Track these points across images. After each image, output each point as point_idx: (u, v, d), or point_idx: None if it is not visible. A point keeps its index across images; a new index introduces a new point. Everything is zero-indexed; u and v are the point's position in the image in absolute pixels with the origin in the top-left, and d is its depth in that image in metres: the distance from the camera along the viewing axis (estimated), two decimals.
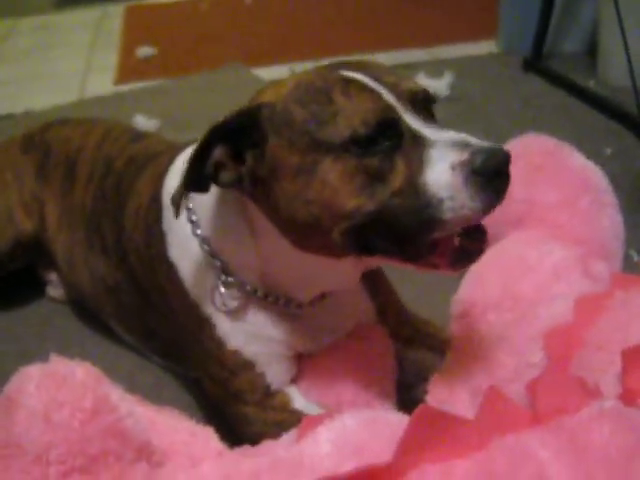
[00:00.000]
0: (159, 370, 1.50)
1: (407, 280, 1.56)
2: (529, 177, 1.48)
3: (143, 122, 2.56)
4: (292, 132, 1.03)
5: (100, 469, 0.79)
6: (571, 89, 2.75)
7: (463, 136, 0.99)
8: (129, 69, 3.49)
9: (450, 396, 1.18)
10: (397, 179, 0.99)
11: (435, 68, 2.86)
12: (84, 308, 1.69)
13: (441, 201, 0.96)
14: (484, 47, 3.27)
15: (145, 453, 0.84)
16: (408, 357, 1.38)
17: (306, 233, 1.06)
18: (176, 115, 2.73)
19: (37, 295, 1.79)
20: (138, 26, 4.20)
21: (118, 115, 2.51)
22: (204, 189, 1.08)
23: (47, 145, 1.68)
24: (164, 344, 1.42)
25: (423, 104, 1.07)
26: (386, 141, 1.00)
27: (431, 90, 2.62)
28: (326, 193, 1.01)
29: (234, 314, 1.20)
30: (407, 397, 1.32)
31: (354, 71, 1.05)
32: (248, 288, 1.18)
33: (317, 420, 0.90)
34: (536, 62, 2.98)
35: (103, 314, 1.57)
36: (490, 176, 0.96)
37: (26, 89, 3.36)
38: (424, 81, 2.74)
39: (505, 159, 0.97)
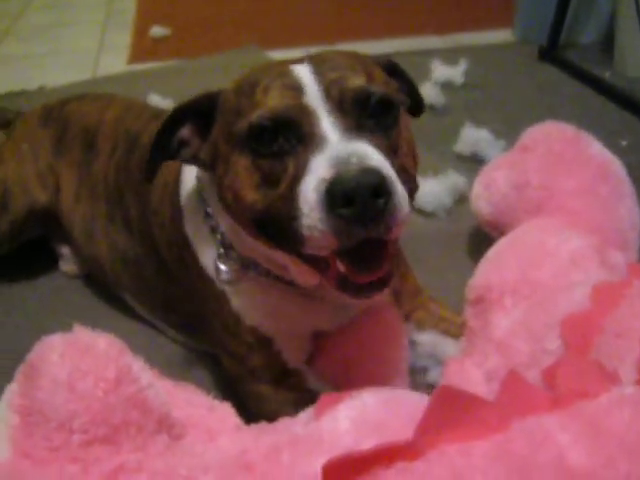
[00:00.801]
0: (172, 348, 1.50)
1: (421, 264, 1.56)
2: (548, 164, 1.48)
3: (158, 101, 2.54)
4: (225, 120, 1.07)
5: (122, 439, 0.79)
6: (587, 80, 2.73)
7: (354, 151, 0.91)
8: (142, 49, 3.47)
9: (465, 380, 1.19)
10: (284, 183, 0.97)
11: (451, 55, 2.84)
12: (97, 283, 1.70)
13: (301, 216, 0.92)
14: (500, 35, 3.25)
15: (165, 425, 0.85)
16: (421, 340, 1.38)
17: (234, 217, 1.09)
18: (190, 95, 2.71)
19: (50, 269, 1.80)
20: (152, 6, 4.17)
21: (132, 94, 2.49)
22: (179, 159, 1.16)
23: (65, 119, 1.68)
24: (183, 318, 1.42)
25: (360, 107, 0.99)
26: (285, 142, 0.97)
27: (445, 77, 2.62)
28: (235, 184, 1.03)
29: (242, 289, 1.20)
30: (420, 380, 1.32)
31: (308, 64, 1.03)
32: (249, 262, 1.18)
33: (336, 398, 0.90)
34: (552, 52, 2.96)
35: (120, 287, 1.58)
36: (339, 201, 0.87)
37: (39, 66, 3.35)
38: (439, 68, 2.72)
39: (366, 186, 0.86)
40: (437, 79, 2.69)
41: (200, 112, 1.12)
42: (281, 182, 0.97)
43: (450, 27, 3.37)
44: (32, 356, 0.83)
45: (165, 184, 1.32)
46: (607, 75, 2.79)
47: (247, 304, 1.21)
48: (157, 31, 3.61)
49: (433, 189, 1.94)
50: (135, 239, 1.45)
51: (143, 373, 0.85)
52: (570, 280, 1.23)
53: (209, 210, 1.19)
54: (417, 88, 1.25)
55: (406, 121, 1.10)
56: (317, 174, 0.91)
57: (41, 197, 1.65)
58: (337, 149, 0.92)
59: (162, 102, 2.53)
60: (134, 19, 3.93)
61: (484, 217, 1.58)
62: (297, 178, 0.94)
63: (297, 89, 0.99)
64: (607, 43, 3.02)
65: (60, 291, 1.74)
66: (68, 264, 1.76)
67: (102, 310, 1.65)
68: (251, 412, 1.22)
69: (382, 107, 1.01)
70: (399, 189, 0.92)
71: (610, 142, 1.57)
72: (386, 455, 0.74)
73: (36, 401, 0.78)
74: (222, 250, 1.19)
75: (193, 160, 1.15)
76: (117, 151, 1.52)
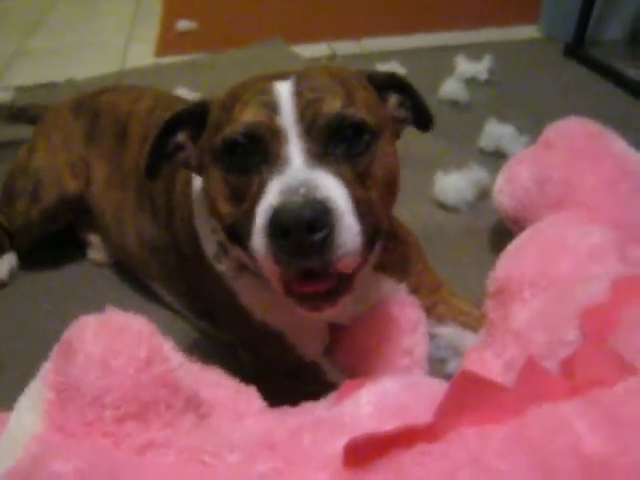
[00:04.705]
0: (196, 336, 1.54)
1: (443, 258, 1.58)
2: (570, 160, 1.49)
3: (185, 94, 2.57)
4: (209, 132, 1.10)
5: (151, 417, 0.82)
6: (612, 77, 2.73)
7: (306, 180, 0.92)
8: (169, 42, 3.51)
9: (483, 369, 1.20)
10: (248, 200, 0.99)
11: (475, 51, 2.85)
12: (124, 270, 1.73)
13: (253, 236, 0.95)
14: (525, 31, 3.24)
15: (193, 404, 0.88)
16: (441, 333, 1.41)
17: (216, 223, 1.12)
18: (216, 89, 2.73)
19: (77, 258, 1.84)
20: None
21: (159, 86, 2.51)
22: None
23: (97, 109, 1.72)
24: (204, 307, 1.45)
25: (331, 132, 0.99)
26: (253, 160, 0.99)
27: (470, 73, 2.61)
28: (211, 194, 1.07)
29: (248, 285, 1.22)
30: (439, 371, 1.34)
31: (292, 81, 1.03)
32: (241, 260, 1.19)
33: (357, 384, 0.92)
34: (578, 48, 2.95)
35: (147, 274, 1.61)
36: (277, 231, 0.89)
37: (68, 58, 3.39)
38: (463, 64, 2.73)
39: (302, 220, 0.87)
40: (461, 75, 2.70)
41: (195, 119, 1.14)
42: (245, 200, 0.99)
43: (475, 23, 3.36)
44: (68, 334, 0.86)
45: (187, 180, 1.34)
46: (632, 73, 2.77)
47: (254, 300, 1.23)
48: (184, 24, 3.64)
49: (456, 184, 1.95)
50: (160, 228, 1.48)
51: (173, 354, 0.88)
52: (589, 274, 1.23)
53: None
54: (423, 101, 1.20)
55: (388, 147, 1.07)
56: (268, 199, 0.93)
57: (72, 186, 1.69)
58: (293, 175, 0.93)
59: (189, 95, 2.56)
60: (161, 12, 3.96)
61: (506, 211, 1.60)
62: (256, 198, 0.96)
63: (272, 108, 0.99)
64: (633, 40, 3.01)
65: (87, 279, 1.78)
66: (96, 252, 1.80)
67: (127, 298, 1.68)
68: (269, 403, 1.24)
69: (355, 133, 1.00)
70: (347, 223, 0.92)
71: (635, 140, 1.58)
72: (406, 437, 0.76)
73: (71, 377, 0.81)
74: (219, 248, 1.22)
75: (186, 164, 1.18)
76: (147, 142, 1.55)
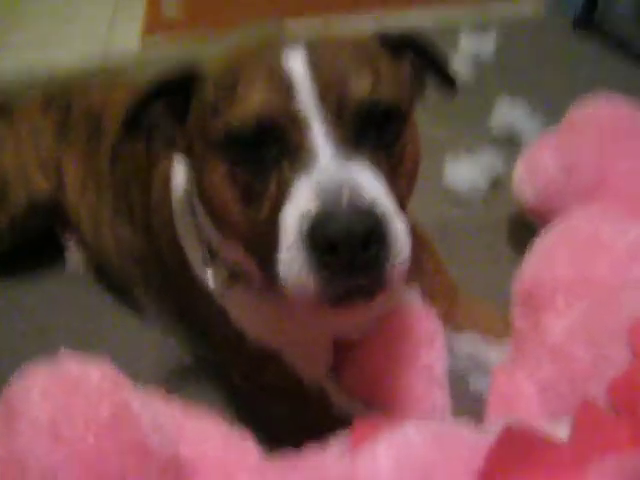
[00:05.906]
0: (185, 356, 1.37)
1: (456, 257, 1.45)
2: (599, 143, 1.36)
3: None
4: (201, 112, 0.90)
5: None
6: (623, 50, 2.57)
7: (347, 178, 0.76)
8: (156, 23, 3.33)
9: (514, 390, 1.06)
10: (267, 205, 0.82)
11: (479, 28, 2.68)
12: (104, 277, 1.57)
13: (281, 250, 0.78)
14: (530, 6, 3.07)
15: (172, 468, 0.71)
16: (460, 343, 1.27)
17: (217, 227, 0.97)
18: None
19: (55, 266, 1.66)
20: None
21: (145, 73, 2.38)
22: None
23: (68, 103, 1.56)
24: (192, 324, 1.30)
25: (361, 118, 0.83)
26: (268, 152, 0.82)
27: (474, 51, 2.46)
28: (215, 194, 0.88)
29: (239, 299, 1.07)
30: (461, 388, 1.20)
31: (304, 54, 0.85)
32: (238, 271, 1.04)
33: (373, 428, 0.77)
34: (586, 22, 2.79)
35: (128, 285, 1.45)
36: (322, 245, 0.73)
37: (51, 48, 3.24)
38: (467, 41, 2.58)
39: (356, 233, 0.72)
40: (464, 54, 2.54)
41: (177, 88, 0.94)
42: (263, 203, 0.82)
43: None
44: (10, 393, 0.69)
45: (166, 176, 1.16)
46: None
47: (247, 316, 1.08)
48: (171, 5, 3.48)
49: (467, 173, 1.80)
50: (140, 235, 1.31)
51: (144, 409, 0.71)
52: (630, 276, 1.09)
53: (196, 210, 1.05)
54: (443, 60, 1.04)
55: (414, 131, 0.93)
56: (300, 203, 0.76)
57: (43, 187, 1.52)
58: (327, 171, 0.77)
59: None
60: None
61: (528, 203, 1.44)
62: (279, 201, 0.79)
63: (286, 87, 0.82)
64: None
65: (65, 288, 1.61)
66: (75, 261, 1.64)
67: (110, 311, 1.52)
68: (271, 434, 1.07)
69: (387, 116, 0.85)
70: (398, 229, 0.77)
71: None
72: None
73: (14, 450, 0.64)
74: (208, 256, 1.05)
75: (168, 146, 0.98)
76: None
